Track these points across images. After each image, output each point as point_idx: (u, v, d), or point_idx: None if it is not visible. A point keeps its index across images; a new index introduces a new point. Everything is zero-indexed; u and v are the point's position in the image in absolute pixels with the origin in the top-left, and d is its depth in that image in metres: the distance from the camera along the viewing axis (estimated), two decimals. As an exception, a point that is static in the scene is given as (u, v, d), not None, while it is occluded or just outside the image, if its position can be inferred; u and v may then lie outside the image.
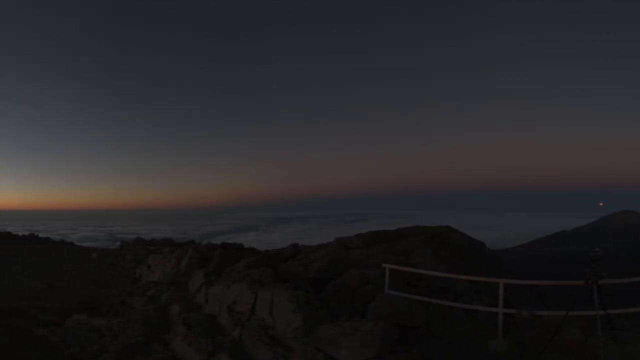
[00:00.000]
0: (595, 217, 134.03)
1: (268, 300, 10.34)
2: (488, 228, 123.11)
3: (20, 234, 42.60)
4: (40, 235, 43.19)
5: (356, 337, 8.08)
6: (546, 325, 9.09)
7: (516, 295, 12.30)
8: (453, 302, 11.00)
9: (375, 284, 11.53)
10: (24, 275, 19.64)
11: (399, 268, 11.66)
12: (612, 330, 8.19)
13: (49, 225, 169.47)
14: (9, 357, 9.39)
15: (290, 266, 14.38)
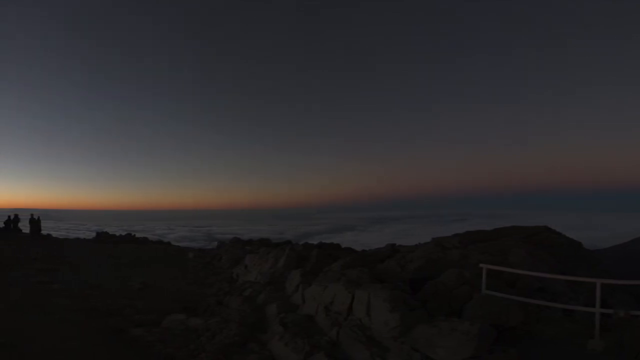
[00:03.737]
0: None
1: (365, 300, 10.82)
2: (585, 228, 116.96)
3: (118, 234, 45.31)
4: (137, 235, 45.36)
5: (453, 337, 8.40)
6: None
7: (613, 295, 12.05)
8: (550, 302, 10.96)
9: (472, 284, 11.84)
10: (121, 276, 21.34)
11: (496, 268, 11.92)
12: None
13: (146, 226, 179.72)
14: (105, 357, 10.11)
15: (387, 266, 14.72)
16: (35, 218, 38.81)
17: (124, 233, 46.11)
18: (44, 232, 41.15)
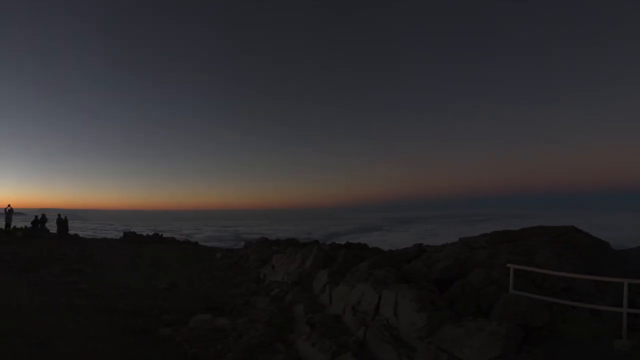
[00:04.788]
0: None
1: (392, 300, 10.98)
2: (612, 227, 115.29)
3: (145, 234, 46.13)
4: (165, 235, 45.94)
5: (480, 337, 8.52)
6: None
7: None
8: (577, 302, 11.03)
9: (499, 284, 11.99)
10: (148, 276, 21.78)
11: (523, 268, 12.06)
12: None
13: (173, 226, 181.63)
14: (133, 357, 10.28)
15: (414, 266, 14.85)
16: (63, 218, 39.66)
17: (151, 233, 46.84)
18: (71, 232, 42.04)
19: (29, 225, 40.56)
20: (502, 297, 11.10)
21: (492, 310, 10.85)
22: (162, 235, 45.41)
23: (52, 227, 40.97)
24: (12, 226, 39.76)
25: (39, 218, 40.27)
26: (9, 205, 39.33)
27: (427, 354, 8.93)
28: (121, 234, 47.38)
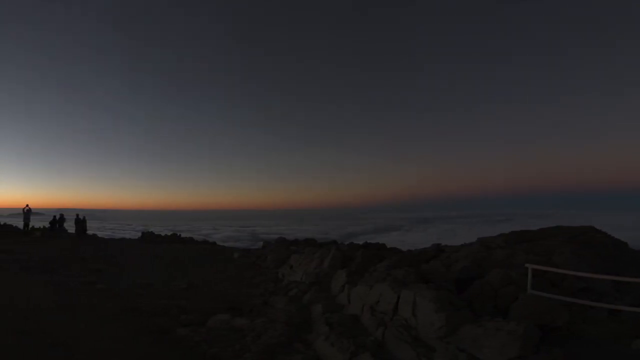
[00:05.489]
0: None
1: (411, 300, 11.11)
2: (632, 228, 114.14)
3: (163, 234, 46.53)
4: (183, 235, 46.27)
5: (499, 337, 8.65)
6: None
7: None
8: (595, 302, 11.08)
9: (517, 284, 12.11)
10: (167, 276, 22.04)
11: (542, 268, 12.21)
12: None
13: (191, 225, 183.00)
14: (151, 357, 10.47)
15: (433, 266, 14.97)
16: (81, 218, 40.11)
17: (169, 233, 47.18)
18: (89, 232, 42.53)
19: (47, 225, 41.07)
20: (521, 297, 11.23)
21: (510, 310, 10.98)
22: (180, 235, 45.74)
23: (70, 227, 41.50)
24: (30, 226, 40.44)
25: (57, 218, 40.79)
26: (27, 205, 40.01)
27: (445, 354, 9.08)
28: (139, 234, 47.91)
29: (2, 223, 42.79)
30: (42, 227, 41.28)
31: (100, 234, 51.02)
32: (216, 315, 13.69)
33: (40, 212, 62.25)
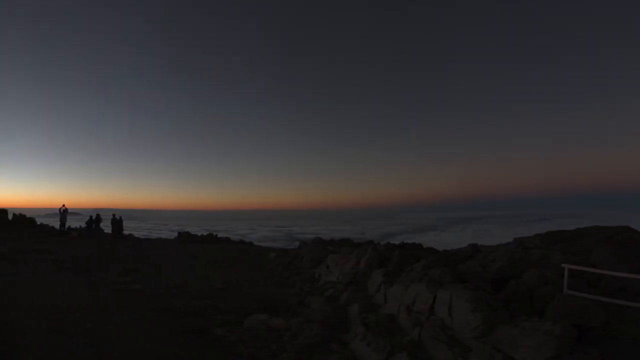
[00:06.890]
0: None
1: (447, 300, 11.28)
2: None
3: (199, 234, 47.01)
4: (219, 235, 46.67)
5: (535, 337, 8.72)
6: None
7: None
8: (632, 302, 10.94)
9: (554, 284, 12.04)
10: (203, 276, 22.38)
11: (578, 268, 12.08)
12: None
13: (228, 226, 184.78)
14: (187, 356, 10.69)
15: (469, 266, 14.97)
16: (117, 218, 40.99)
17: (205, 233, 47.56)
18: (125, 232, 43.39)
19: (83, 225, 42.11)
20: (557, 297, 11.19)
21: (547, 310, 10.96)
22: (216, 235, 46.16)
23: (106, 227, 42.43)
24: (67, 226, 41.51)
25: (94, 218, 41.73)
26: (63, 205, 41.01)
27: (482, 354, 9.19)
28: (175, 234, 48.63)
29: (39, 223, 44.04)
30: (78, 227, 42.37)
31: (136, 234, 51.88)
32: (252, 315, 13.85)
33: (77, 212, 63.49)
